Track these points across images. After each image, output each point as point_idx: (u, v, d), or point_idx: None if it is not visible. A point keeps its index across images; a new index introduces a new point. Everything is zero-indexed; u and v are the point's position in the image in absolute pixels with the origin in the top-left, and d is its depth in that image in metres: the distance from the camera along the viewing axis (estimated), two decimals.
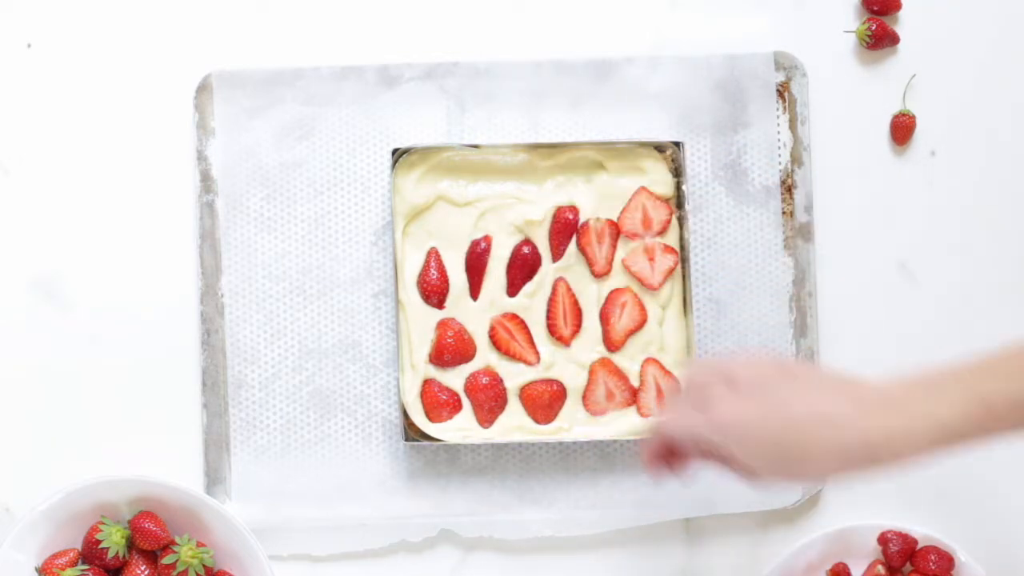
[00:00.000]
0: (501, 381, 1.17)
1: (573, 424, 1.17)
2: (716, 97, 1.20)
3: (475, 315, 1.17)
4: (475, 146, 1.17)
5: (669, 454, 0.98)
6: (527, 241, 1.18)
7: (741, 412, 0.92)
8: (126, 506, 1.16)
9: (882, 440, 0.89)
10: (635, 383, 1.17)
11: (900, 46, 1.21)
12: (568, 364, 1.17)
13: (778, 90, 1.20)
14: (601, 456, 1.19)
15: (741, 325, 1.19)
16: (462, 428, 1.17)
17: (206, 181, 1.20)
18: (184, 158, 1.20)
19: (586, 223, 1.18)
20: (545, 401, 1.17)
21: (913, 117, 1.20)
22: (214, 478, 1.18)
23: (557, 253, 1.18)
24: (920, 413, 0.88)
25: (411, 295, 1.17)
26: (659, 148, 1.18)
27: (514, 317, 1.17)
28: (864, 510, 1.19)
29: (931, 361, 1.20)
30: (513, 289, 1.18)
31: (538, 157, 1.18)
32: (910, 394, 0.90)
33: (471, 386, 1.17)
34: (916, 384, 0.90)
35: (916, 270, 1.21)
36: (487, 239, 1.18)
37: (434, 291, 1.17)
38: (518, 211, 1.18)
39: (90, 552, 1.14)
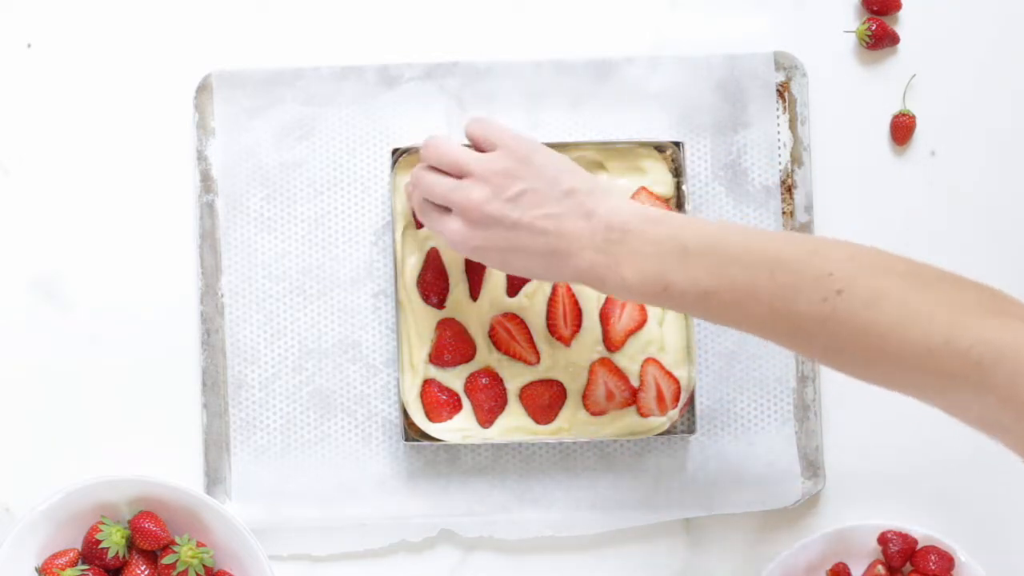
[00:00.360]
0: (501, 381, 1.17)
1: (573, 424, 1.17)
2: (716, 97, 1.20)
3: (475, 315, 1.17)
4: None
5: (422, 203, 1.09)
6: None
7: (483, 201, 1.03)
8: (126, 506, 1.16)
9: (587, 275, 1.01)
10: (635, 383, 1.17)
11: (900, 46, 1.21)
12: (568, 364, 1.17)
13: (778, 90, 1.20)
14: (601, 456, 1.19)
15: None
16: (462, 428, 1.17)
17: (206, 181, 1.20)
18: (184, 158, 1.20)
19: None
20: (545, 401, 1.17)
21: (913, 117, 1.20)
22: (214, 478, 1.18)
23: None
24: (616, 269, 0.99)
25: (411, 295, 1.17)
26: (659, 148, 1.18)
27: (514, 317, 1.17)
28: (864, 510, 1.20)
29: None
30: (513, 289, 1.18)
31: None
32: (619, 250, 0.99)
33: (471, 386, 1.17)
34: (627, 243, 0.99)
35: None
36: None
37: (434, 291, 1.17)
38: None
39: (90, 552, 1.14)
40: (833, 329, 0.91)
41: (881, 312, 0.90)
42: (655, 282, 0.98)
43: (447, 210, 1.06)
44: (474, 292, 1.18)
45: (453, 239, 1.05)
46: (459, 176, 1.05)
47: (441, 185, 1.06)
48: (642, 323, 1.17)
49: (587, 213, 1.01)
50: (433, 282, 1.17)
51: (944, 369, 0.87)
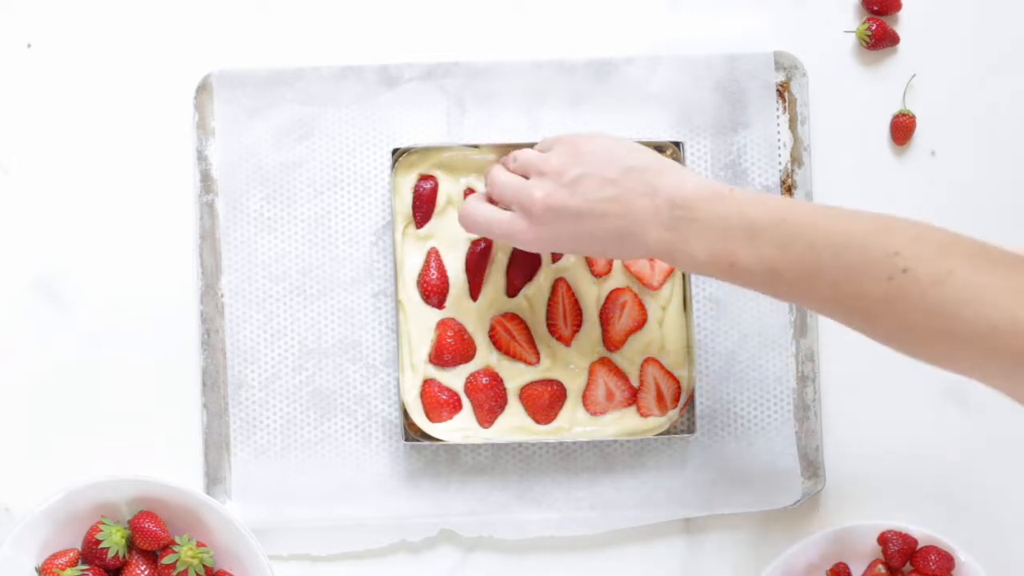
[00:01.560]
0: (501, 381, 1.17)
1: (573, 424, 1.17)
2: (716, 97, 1.20)
3: (475, 315, 1.17)
4: (475, 146, 1.17)
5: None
6: None
7: (546, 194, 1.04)
8: (126, 506, 1.16)
9: (659, 251, 1.01)
10: (635, 383, 1.17)
11: (900, 46, 1.21)
12: (568, 364, 1.17)
13: (778, 90, 1.20)
14: (601, 456, 1.19)
15: (741, 325, 1.19)
16: (462, 428, 1.17)
17: (206, 181, 1.20)
18: (184, 158, 1.20)
19: None
20: (545, 401, 1.17)
21: (913, 117, 1.20)
22: (214, 478, 1.18)
23: (557, 253, 1.18)
24: (684, 245, 0.99)
25: (411, 295, 1.17)
26: (659, 148, 1.18)
27: (514, 317, 1.17)
28: (864, 510, 1.20)
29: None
30: (513, 289, 1.18)
31: None
32: (687, 226, 0.99)
33: (471, 386, 1.17)
34: (694, 219, 0.99)
35: None
36: (487, 239, 1.18)
37: (434, 291, 1.17)
38: None
39: (90, 552, 1.14)
40: (898, 309, 0.91)
41: (947, 291, 0.89)
42: (723, 258, 0.98)
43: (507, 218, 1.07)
44: (474, 292, 1.18)
45: (524, 239, 1.06)
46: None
47: (508, 187, 1.07)
48: (642, 323, 1.17)
49: (650, 190, 1.01)
50: (433, 282, 1.17)
51: (1010, 348, 0.87)
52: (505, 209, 1.08)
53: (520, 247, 1.08)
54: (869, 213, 0.95)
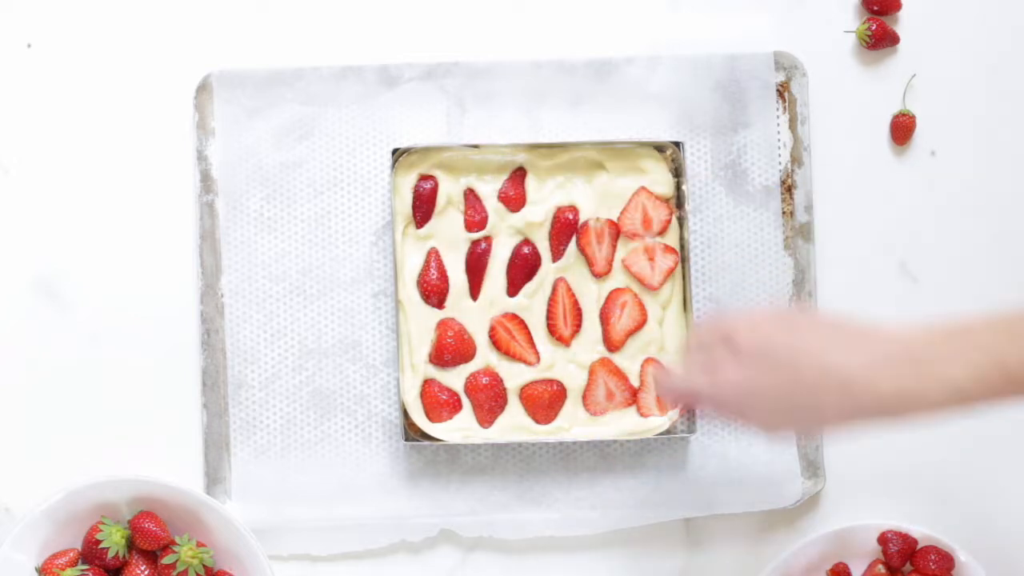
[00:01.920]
0: (501, 381, 1.17)
1: (573, 424, 1.17)
2: (716, 97, 1.20)
3: (475, 315, 1.17)
4: (475, 146, 1.17)
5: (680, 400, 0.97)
6: (527, 241, 1.18)
7: (747, 379, 0.91)
8: (126, 506, 1.16)
9: (895, 400, 0.86)
10: (635, 383, 1.17)
11: (900, 46, 1.21)
12: (568, 364, 1.17)
13: (778, 90, 1.20)
14: (601, 456, 1.19)
15: None
16: (462, 428, 1.17)
17: (206, 181, 1.20)
18: (184, 158, 1.20)
19: (586, 223, 1.18)
20: (545, 401, 1.17)
21: (913, 117, 1.20)
22: (214, 478, 1.18)
23: (557, 253, 1.18)
24: (934, 374, 0.85)
25: (411, 295, 1.17)
26: (659, 148, 1.18)
27: (514, 317, 1.17)
28: (864, 510, 1.19)
29: None
30: (513, 289, 1.18)
31: (538, 157, 1.18)
32: (925, 352, 0.86)
33: (471, 386, 1.17)
34: (931, 342, 0.87)
35: (916, 270, 1.21)
36: (487, 239, 1.18)
37: (434, 291, 1.17)
38: (518, 211, 1.18)
39: (90, 552, 1.14)
40: None
41: None
42: (993, 369, 0.85)
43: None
44: (474, 292, 1.18)
45: (732, 388, 0.93)
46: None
47: (705, 351, 0.95)
48: (642, 323, 1.17)
49: (865, 336, 0.89)
50: (433, 282, 1.17)
51: None
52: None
53: (732, 409, 0.95)
54: None
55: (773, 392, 0.90)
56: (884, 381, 0.87)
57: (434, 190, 1.17)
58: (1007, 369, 0.85)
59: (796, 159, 1.20)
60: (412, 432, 1.17)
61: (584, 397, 1.17)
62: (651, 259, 1.17)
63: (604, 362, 1.17)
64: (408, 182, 1.17)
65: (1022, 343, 0.85)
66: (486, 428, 1.17)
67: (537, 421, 1.17)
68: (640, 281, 1.18)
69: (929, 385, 0.86)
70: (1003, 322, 0.86)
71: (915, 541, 1.17)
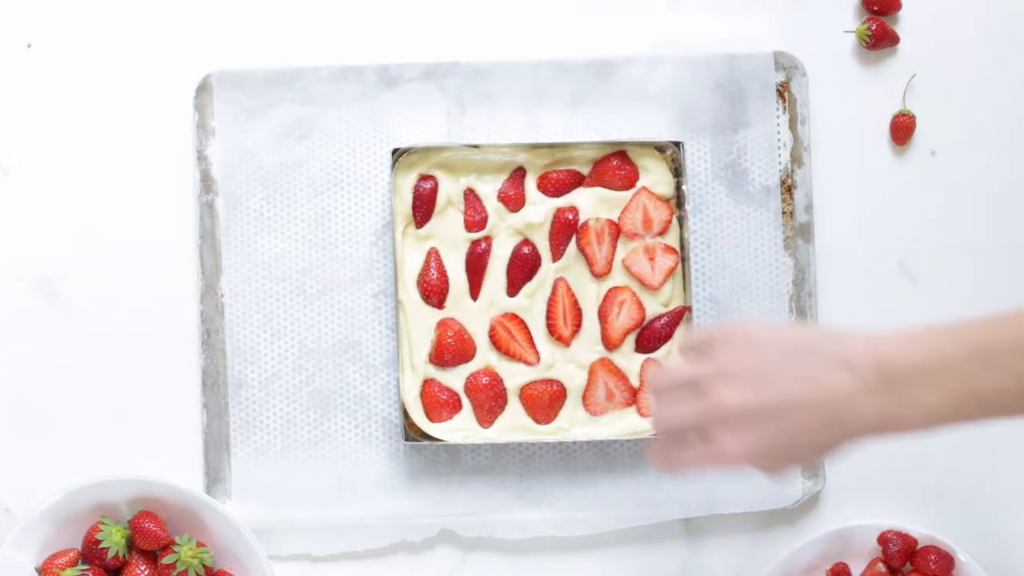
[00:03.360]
0: (501, 381, 1.17)
1: (573, 424, 1.17)
2: (716, 97, 1.20)
3: (475, 315, 1.17)
4: (475, 146, 1.17)
5: (674, 448, 0.96)
6: (527, 241, 1.18)
7: (738, 401, 0.91)
8: (126, 506, 1.16)
9: (877, 422, 0.89)
10: (635, 383, 1.17)
11: (900, 46, 1.21)
12: (568, 364, 1.17)
13: (778, 90, 1.20)
14: (601, 456, 1.19)
15: None
16: (462, 428, 1.17)
17: (206, 181, 1.20)
18: (184, 158, 1.20)
19: (586, 223, 1.18)
20: (545, 401, 1.17)
21: (913, 117, 1.20)
22: (214, 478, 1.18)
23: (557, 253, 1.18)
24: (913, 401, 0.88)
25: (411, 295, 1.17)
26: (659, 148, 1.18)
27: (514, 317, 1.17)
28: (864, 510, 1.20)
29: None
30: (513, 289, 1.18)
31: (538, 157, 1.18)
32: (907, 380, 0.88)
33: (471, 386, 1.17)
34: (912, 370, 0.89)
35: (916, 270, 1.21)
36: (487, 239, 1.18)
37: (434, 291, 1.17)
38: (518, 211, 1.18)
39: (90, 552, 1.14)
40: None
41: None
42: (967, 398, 0.87)
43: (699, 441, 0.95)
44: (474, 292, 1.18)
45: (733, 457, 0.92)
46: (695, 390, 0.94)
47: (686, 407, 0.94)
48: (640, 321, 1.17)
49: (843, 362, 0.90)
50: (433, 282, 1.17)
51: None
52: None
53: (733, 469, 0.94)
54: None
55: (762, 417, 0.91)
56: (868, 406, 0.89)
57: (434, 190, 1.17)
58: (981, 398, 0.87)
59: (796, 159, 1.20)
60: (412, 432, 1.17)
61: (584, 397, 1.17)
62: (651, 259, 1.17)
63: (604, 362, 1.17)
64: (408, 182, 1.17)
65: (996, 373, 0.87)
66: (486, 428, 1.17)
67: (537, 421, 1.17)
68: (640, 281, 1.18)
69: (909, 412, 0.88)
70: (979, 351, 0.88)
71: (915, 541, 1.17)
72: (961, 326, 0.89)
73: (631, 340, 1.17)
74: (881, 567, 1.17)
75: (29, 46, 1.21)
